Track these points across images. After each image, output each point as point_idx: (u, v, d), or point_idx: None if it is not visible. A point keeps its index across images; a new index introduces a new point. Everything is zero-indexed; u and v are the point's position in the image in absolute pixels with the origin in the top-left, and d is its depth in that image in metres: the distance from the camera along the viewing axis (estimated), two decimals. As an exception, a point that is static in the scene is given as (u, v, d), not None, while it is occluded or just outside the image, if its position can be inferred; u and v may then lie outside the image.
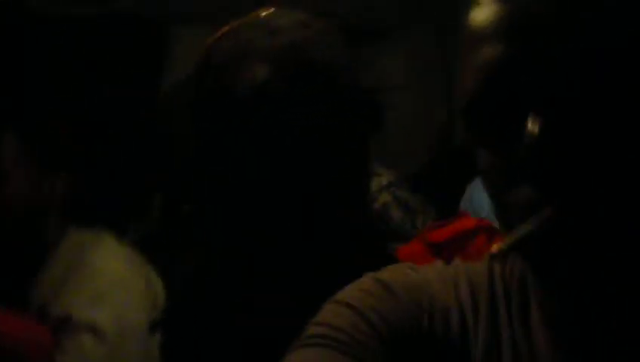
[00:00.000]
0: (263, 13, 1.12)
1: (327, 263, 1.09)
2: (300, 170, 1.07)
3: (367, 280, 0.80)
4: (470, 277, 0.80)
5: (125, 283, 1.57)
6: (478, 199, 2.47)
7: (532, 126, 0.63)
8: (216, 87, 1.08)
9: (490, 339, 0.76)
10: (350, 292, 0.79)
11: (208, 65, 1.11)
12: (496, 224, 1.88)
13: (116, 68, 2.92)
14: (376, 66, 3.70)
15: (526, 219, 0.65)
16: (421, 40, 3.88)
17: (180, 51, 2.97)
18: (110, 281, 1.55)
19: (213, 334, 1.15)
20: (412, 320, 0.76)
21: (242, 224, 1.11)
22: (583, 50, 0.63)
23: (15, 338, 1.42)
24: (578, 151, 0.64)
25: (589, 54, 0.63)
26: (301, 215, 1.08)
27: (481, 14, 0.69)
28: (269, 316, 1.10)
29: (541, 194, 0.64)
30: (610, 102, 0.64)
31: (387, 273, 0.81)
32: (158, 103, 2.76)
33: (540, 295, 0.75)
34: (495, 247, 0.67)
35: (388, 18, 3.69)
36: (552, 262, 0.67)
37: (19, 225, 1.59)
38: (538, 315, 0.75)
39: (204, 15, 2.84)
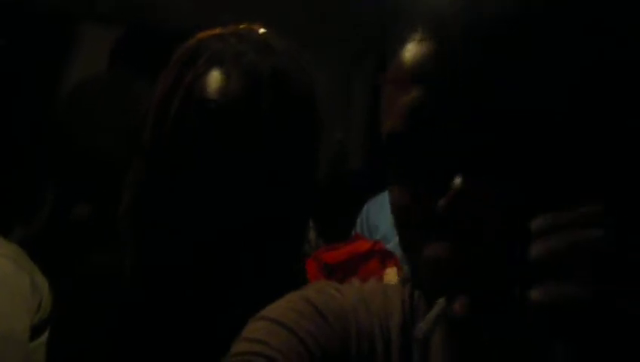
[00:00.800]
0: (259, 30, 1.12)
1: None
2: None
3: (296, 300, 0.80)
4: (386, 296, 0.81)
5: (9, 285, 1.51)
6: (373, 220, 2.49)
7: (457, 182, 0.63)
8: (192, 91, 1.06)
9: (401, 356, 0.77)
10: (282, 310, 0.78)
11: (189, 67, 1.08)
12: (390, 246, 1.92)
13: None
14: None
15: (436, 276, 0.65)
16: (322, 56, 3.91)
17: (85, 48, 2.91)
18: None
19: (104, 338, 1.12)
20: (342, 347, 0.76)
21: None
22: (500, 110, 0.63)
23: None
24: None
25: (510, 114, 0.63)
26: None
27: (412, 53, 0.68)
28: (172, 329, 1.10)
29: (454, 255, 0.64)
30: (529, 164, 0.64)
31: (314, 293, 0.81)
32: (64, 98, 2.69)
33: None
34: (418, 331, 0.66)
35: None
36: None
37: None
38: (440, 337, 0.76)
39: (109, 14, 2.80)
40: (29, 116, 2.75)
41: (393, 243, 2.04)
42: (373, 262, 1.90)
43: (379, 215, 2.45)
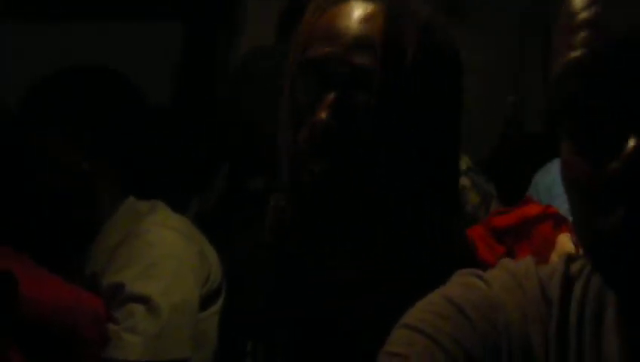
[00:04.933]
0: None
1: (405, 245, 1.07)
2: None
3: (437, 300, 0.76)
4: (542, 281, 0.75)
5: (178, 255, 1.55)
6: (544, 187, 2.40)
7: (634, 140, 0.57)
8: None
9: (558, 349, 0.71)
10: (421, 314, 0.75)
11: None
12: (563, 211, 1.83)
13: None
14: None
15: (619, 247, 0.59)
16: (492, 23, 3.81)
17: (251, 19, 2.95)
18: (163, 254, 1.53)
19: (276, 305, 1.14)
20: (489, 346, 0.71)
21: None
22: None
23: (65, 307, 1.42)
24: None
25: None
26: (402, 202, 1.06)
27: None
28: (338, 293, 1.09)
29: (636, 220, 0.58)
30: None
31: (457, 289, 0.76)
32: (231, 73, 2.74)
33: (616, 302, 0.70)
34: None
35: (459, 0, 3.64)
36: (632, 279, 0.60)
37: (72, 194, 1.60)
38: (612, 323, 0.70)
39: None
40: (203, 94, 2.84)
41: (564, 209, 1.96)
42: (546, 225, 1.82)
43: (551, 181, 2.36)
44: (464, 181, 2.33)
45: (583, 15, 0.62)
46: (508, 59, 3.95)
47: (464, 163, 2.40)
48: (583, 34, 0.62)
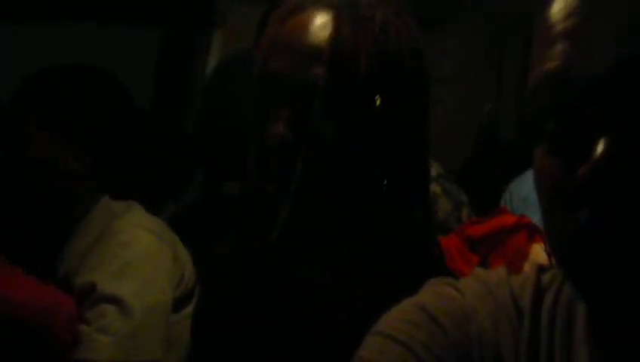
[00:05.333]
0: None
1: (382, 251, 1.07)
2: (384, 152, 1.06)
3: (410, 308, 0.76)
4: (513, 291, 0.75)
5: (151, 256, 1.55)
6: (519, 197, 2.41)
7: (603, 145, 0.58)
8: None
9: (528, 359, 0.71)
10: (394, 322, 0.75)
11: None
12: (537, 221, 1.84)
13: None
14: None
15: (583, 250, 0.59)
16: (470, 30, 3.82)
17: (231, 25, 2.95)
18: (137, 254, 1.53)
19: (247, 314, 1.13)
20: (461, 355, 0.71)
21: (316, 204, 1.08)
22: None
23: (36, 307, 1.42)
24: None
25: None
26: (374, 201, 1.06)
27: (562, 5, 0.63)
28: (315, 298, 1.09)
29: (600, 223, 0.58)
30: None
31: (430, 298, 0.76)
32: (211, 76, 2.74)
33: (586, 311, 0.70)
34: None
35: (436, 8, 3.64)
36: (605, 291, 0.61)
37: (45, 192, 1.59)
38: (582, 332, 0.70)
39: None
40: (176, 98, 2.83)
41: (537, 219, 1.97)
42: (521, 236, 1.83)
43: (526, 192, 2.37)
44: (434, 188, 2.33)
45: (561, 26, 0.62)
46: (485, 67, 3.96)
47: (434, 169, 2.41)
48: (560, 45, 0.62)
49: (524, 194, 2.38)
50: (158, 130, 2.67)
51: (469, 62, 3.65)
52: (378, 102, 1.04)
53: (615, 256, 0.58)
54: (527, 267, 1.78)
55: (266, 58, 1.08)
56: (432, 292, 0.77)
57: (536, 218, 1.98)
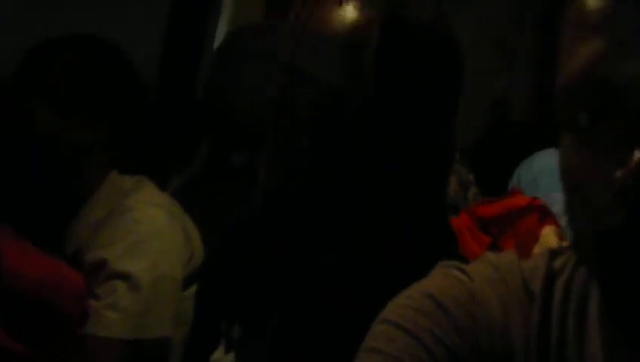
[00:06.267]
0: None
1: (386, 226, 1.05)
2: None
3: (416, 295, 0.74)
4: (524, 275, 0.74)
5: (163, 234, 1.54)
6: (528, 178, 2.41)
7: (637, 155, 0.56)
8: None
9: (539, 343, 0.70)
10: (401, 309, 0.73)
11: None
12: (548, 201, 1.84)
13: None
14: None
15: (609, 254, 0.58)
16: (487, 7, 3.78)
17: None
18: (148, 232, 1.52)
19: (251, 285, 1.12)
20: (470, 341, 0.70)
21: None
22: None
23: (48, 281, 1.41)
24: None
25: None
26: (375, 181, 1.04)
27: None
28: (316, 272, 1.07)
29: (630, 231, 0.57)
30: None
31: (436, 283, 0.75)
32: (215, 50, 2.73)
33: (600, 298, 0.69)
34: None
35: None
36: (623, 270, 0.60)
37: (50, 168, 1.57)
38: (595, 319, 0.69)
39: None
40: (185, 67, 2.81)
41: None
42: (532, 218, 1.82)
43: (536, 173, 2.36)
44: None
45: (599, 18, 0.60)
46: (498, 43, 3.93)
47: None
48: (598, 39, 0.60)
49: (533, 175, 2.37)
50: (165, 100, 2.66)
51: (480, 38, 3.61)
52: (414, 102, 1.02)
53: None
54: (537, 249, 1.77)
55: (292, 51, 1.03)
56: (441, 277, 0.76)
57: (547, 199, 1.98)
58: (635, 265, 0.58)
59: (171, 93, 2.75)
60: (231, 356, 1.13)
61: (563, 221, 1.81)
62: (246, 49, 2.27)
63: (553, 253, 0.76)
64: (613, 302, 0.62)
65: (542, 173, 2.36)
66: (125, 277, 1.46)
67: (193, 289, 1.55)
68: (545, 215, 1.79)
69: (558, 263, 0.74)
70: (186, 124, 2.56)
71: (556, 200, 2.16)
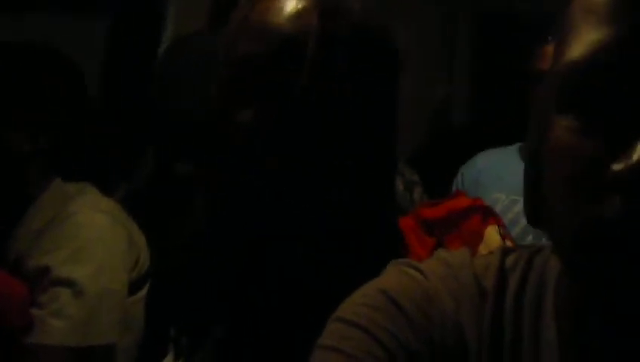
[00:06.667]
0: None
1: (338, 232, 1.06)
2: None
3: (371, 293, 0.74)
4: (477, 272, 0.74)
5: (107, 239, 1.53)
6: (471, 179, 2.43)
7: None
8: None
9: (492, 339, 0.71)
10: (356, 308, 0.74)
11: None
12: (489, 201, 1.86)
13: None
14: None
15: (612, 239, 0.58)
16: (423, 15, 3.81)
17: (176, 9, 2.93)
18: (91, 237, 1.51)
19: (204, 293, 1.12)
20: (424, 338, 0.71)
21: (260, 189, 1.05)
22: None
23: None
24: None
25: None
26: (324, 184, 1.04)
27: None
28: (269, 283, 1.08)
29: (624, 221, 0.57)
30: None
31: (391, 281, 0.75)
32: (159, 59, 2.72)
33: (555, 292, 0.70)
34: None
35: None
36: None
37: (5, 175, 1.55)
38: (551, 312, 0.70)
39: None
40: (130, 76, 2.80)
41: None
42: (475, 218, 1.83)
43: (478, 174, 2.38)
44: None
45: (605, 7, 0.61)
46: (437, 49, 3.96)
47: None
48: (605, 27, 0.60)
49: (475, 176, 2.40)
50: (109, 109, 2.65)
51: (420, 40, 3.64)
52: (355, 93, 1.02)
53: (629, 260, 0.57)
54: (482, 249, 1.79)
55: (234, 41, 1.04)
56: (395, 275, 0.77)
57: (487, 199, 2.00)
58: (622, 255, 0.58)
59: (116, 102, 2.74)
60: (180, 363, 1.13)
61: (506, 220, 1.83)
62: (189, 57, 2.27)
63: (505, 251, 0.77)
64: (592, 288, 0.62)
65: (481, 173, 2.39)
66: (69, 283, 1.44)
67: (140, 294, 1.55)
68: (487, 215, 1.81)
69: (510, 260, 0.75)
70: (131, 133, 2.55)
71: (498, 200, 2.19)
